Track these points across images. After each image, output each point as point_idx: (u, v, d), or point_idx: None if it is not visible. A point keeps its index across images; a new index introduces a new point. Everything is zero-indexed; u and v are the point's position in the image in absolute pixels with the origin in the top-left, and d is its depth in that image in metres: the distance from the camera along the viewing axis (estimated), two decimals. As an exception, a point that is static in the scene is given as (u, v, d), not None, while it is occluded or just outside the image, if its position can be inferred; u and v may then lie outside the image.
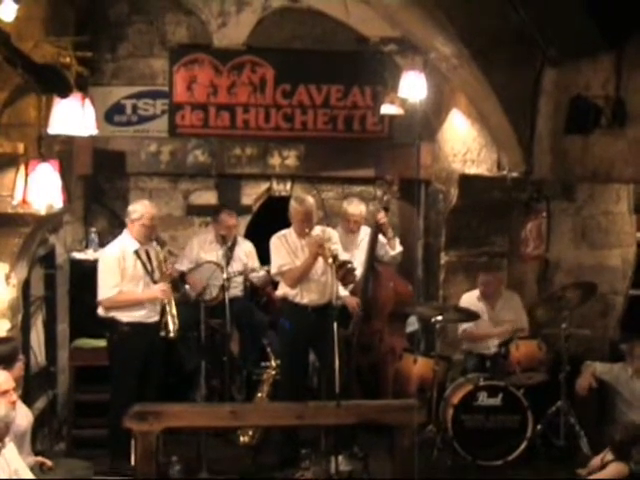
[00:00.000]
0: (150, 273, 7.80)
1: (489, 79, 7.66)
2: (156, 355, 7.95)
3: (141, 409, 6.58)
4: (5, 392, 5.53)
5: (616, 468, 6.37)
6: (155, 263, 7.84)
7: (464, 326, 8.83)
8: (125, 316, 7.74)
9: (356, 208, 9.02)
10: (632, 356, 7.93)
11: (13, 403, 5.65)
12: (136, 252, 7.77)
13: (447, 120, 9.71)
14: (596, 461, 6.81)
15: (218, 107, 9.90)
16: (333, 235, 8.17)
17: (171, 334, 7.72)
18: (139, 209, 7.87)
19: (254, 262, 9.35)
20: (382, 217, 8.87)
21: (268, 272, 8.63)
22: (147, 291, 7.80)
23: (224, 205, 9.68)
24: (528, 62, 7.51)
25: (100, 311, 7.81)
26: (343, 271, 7.49)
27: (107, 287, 7.71)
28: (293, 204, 8.02)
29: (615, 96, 6.26)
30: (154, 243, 7.90)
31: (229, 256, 8.97)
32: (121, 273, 7.71)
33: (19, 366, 6.05)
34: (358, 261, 8.67)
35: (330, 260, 7.47)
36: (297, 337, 8.06)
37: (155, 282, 7.82)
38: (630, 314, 9.60)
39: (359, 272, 8.54)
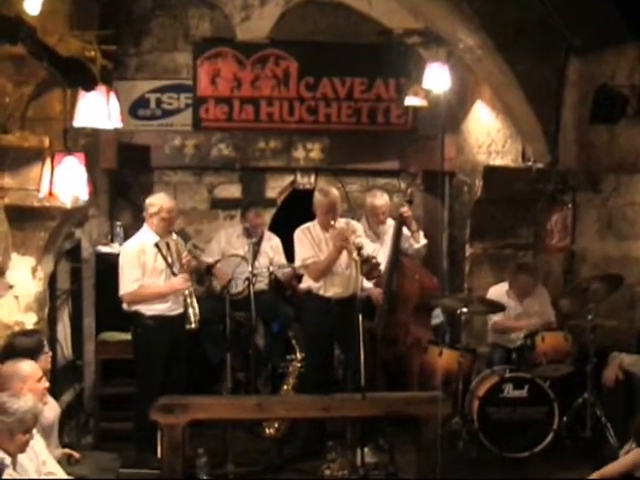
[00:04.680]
0: (171, 266, 7.79)
1: (513, 70, 7.64)
2: (180, 348, 7.93)
3: (167, 402, 6.61)
4: (38, 381, 5.62)
5: (636, 454, 6.33)
6: (175, 255, 7.83)
7: (494, 318, 8.79)
8: (148, 309, 7.74)
9: (381, 199, 8.98)
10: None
11: (44, 391, 5.72)
12: (156, 245, 7.74)
13: (471, 111, 9.69)
14: (624, 452, 6.77)
15: (242, 100, 9.92)
16: (358, 228, 8.15)
17: (192, 325, 7.69)
18: (156, 202, 7.83)
19: (280, 257, 9.36)
20: (406, 210, 8.84)
21: (294, 268, 8.64)
22: (168, 283, 7.81)
23: (253, 202, 9.66)
24: (553, 52, 7.49)
25: (125, 305, 7.85)
26: (368, 266, 7.47)
27: (128, 282, 7.71)
28: (317, 196, 8.02)
29: (641, 85, 6.23)
30: (174, 235, 7.90)
31: (256, 250, 8.98)
32: (142, 267, 7.70)
33: (44, 359, 6.08)
34: (383, 254, 8.66)
35: (355, 254, 7.46)
36: (321, 330, 8.07)
37: (175, 274, 7.82)
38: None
39: (384, 265, 8.54)
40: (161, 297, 7.76)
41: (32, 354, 5.90)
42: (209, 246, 9.46)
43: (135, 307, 7.78)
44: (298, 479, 7.74)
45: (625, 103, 6.26)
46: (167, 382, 7.75)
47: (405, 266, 8.87)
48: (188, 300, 7.71)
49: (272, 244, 9.39)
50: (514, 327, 8.78)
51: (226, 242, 9.27)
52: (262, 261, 9.12)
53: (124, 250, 7.95)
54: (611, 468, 6.43)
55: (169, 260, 7.77)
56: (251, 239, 8.95)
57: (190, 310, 7.69)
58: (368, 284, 8.28)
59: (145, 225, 7.91)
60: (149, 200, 7.96)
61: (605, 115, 6.44)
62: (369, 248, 8.05)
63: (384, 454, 7.83)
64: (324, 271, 7.90)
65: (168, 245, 7.80)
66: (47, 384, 5.86)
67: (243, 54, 9.86)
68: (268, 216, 10.13)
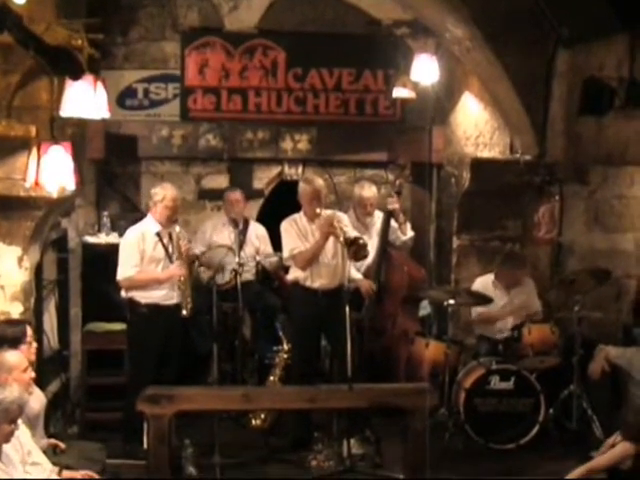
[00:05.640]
0: (170, 255, 7.81)
1: (502, 61, 7.64)
2: (175, 339, 7.94)
3: (154, 392, 6.59)
4: (24, 371, 5.60)
5: (622, 447, 6.37)
6: (175, 245, 7.85)
7: (478, 310, 8.79)
8: (143, 297, 7.76)
9: (369, 191, 9.01)
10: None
11: (29, 382, 5.70)
12: (158, 234, 7.78)
13: (459, 103, 9.68)
14: (608, 443, 6.80)
15: (230, 91, 9.90)
16: (344, 218, 8.15)
17: (184, 312, 7.73)
18: (160, 191, 7.89)
19: (266, 246, 9.35)
20: (394, 202, 8.86)
21: (281, 258, 8.63)
22: (165, 270, 7.81)
23: (229, 188, 9.67)
24: (541, 44, 7.50)
25: (122, 292, 7.86)
26: (355, 247, 7.44)
27: (126, 267, 7.74)
28: (302, 185, 8.03)
29: (629, 77, 6.23)
30: (177, 227, 7.92)
31: (242, 240, 8.98)
32: (140, 254, 7.74)
33: (26, 349, 6.03)
34: (371, 245, 8.66)
35: (341, 239, 7.45)
36: (308, 321, 8.06)
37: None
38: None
39: (372, 256, 8.54)
40: (157, 283, 7.78)
41: (13, 343, 5.88)
42: (195, 237, 9.44)
43: (131, 294, 7.80)
44: (284, 470, 7.73)
45: (613, 95, 6.27)
46: (162, 372, 7.76)
47: (393, 258, 8.89)
48: (182, 287, 7.73)
49: (258, 233, 9.38)
50: (498, 316, 8.78)
51: (212, 232, 9.27)
52: (248, 251, 9.11)
53: (125, 237, 8.00)
54: (598, 461, 6.46)
55: (169, 250, 7.79)
56: (237, 229, 8.93)
57: (183, 298, 7.73)
58: (358, 275, 8.29)
59: (149, 214, 7.96)
60: (153, 189, 8.05)
61: (593, 107, 6.45)
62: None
63: (370, 445, 7.83)
64: (311, 259, 7.88)
65: (170, 235, 7.83)
66: (33, 374, 5.84)
67: (231, 44, 9.84)
68: (256, 207, 10.11)
